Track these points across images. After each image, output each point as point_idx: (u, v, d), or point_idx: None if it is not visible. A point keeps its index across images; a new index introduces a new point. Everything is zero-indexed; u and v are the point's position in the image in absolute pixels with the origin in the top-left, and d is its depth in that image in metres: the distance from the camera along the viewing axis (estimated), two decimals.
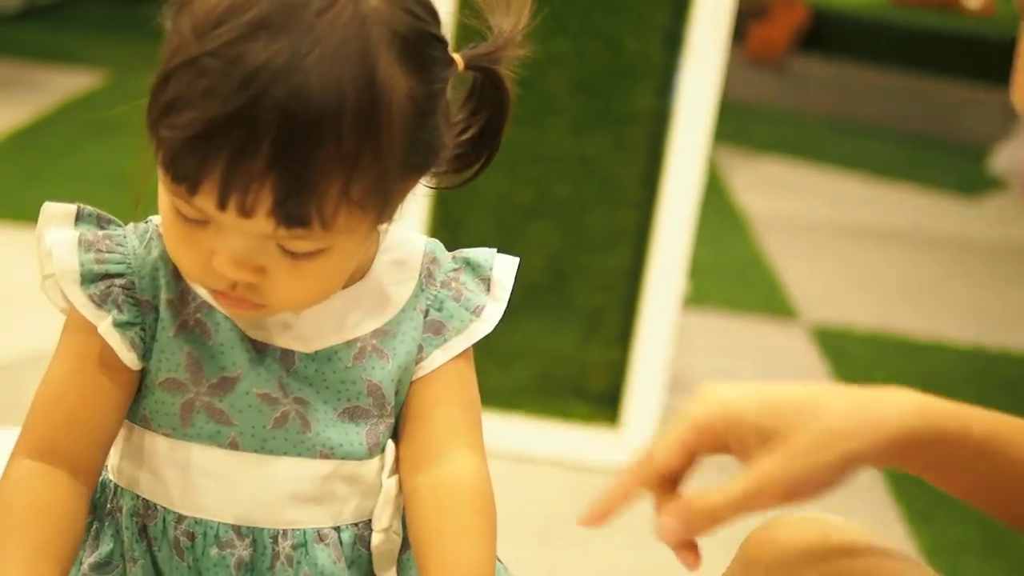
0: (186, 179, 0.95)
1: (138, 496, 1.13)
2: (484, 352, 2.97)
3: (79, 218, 1.11)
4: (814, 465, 1.03)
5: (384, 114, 0.96)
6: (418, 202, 2.61)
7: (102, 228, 1.12)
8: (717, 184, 5.34)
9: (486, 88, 1.12)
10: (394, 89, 0.97)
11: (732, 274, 4.37)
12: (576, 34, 2.63)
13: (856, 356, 3.76)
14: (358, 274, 1.14)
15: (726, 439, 1.09)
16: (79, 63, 5.99)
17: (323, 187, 0.95)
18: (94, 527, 1.15)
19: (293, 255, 1.00)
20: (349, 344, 1.12)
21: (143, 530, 1.13)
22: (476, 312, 1.16)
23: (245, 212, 0.95)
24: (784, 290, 4.27)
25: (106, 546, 1.14)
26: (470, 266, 1.18)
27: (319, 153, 0.94)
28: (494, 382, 2.79)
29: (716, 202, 5.01)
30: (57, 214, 1.11)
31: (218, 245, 1.00)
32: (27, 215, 3.91)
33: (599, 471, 2.85)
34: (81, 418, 1.09)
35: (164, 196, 1.02)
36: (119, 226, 1.13)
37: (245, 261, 1.00)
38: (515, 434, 2.81)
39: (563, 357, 2.85)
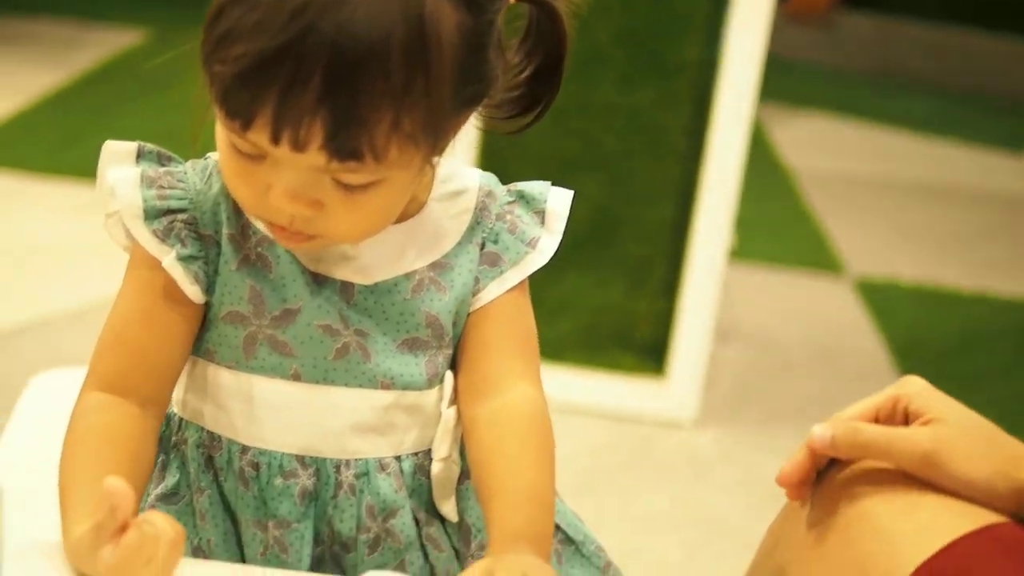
0: (239, 114, 0.97)
1: (203, 428, 1.15)
2: (535, 305, 2.98)
3: (140, 155, 1.12)
4: (972, 471, 1.02)
5: (433, 47, 0.96)
6: (465, 153, 2.63)
7: (163, 165, 1.13)
8: (761, 140, 5.32)
9: (542, 23, 1.12)
10: (442, 21, 0.97)
11: (776, 229, 4.36)
12: None
13: (900, 310, 3.75)
14: (414, 208, 1.14)
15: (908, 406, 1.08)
16: (121, 22, 6.00)
17: (374, 120, 0.96)
18: (160, 459, 1.17)
19: (348, 188, 1.01)
20: (407, 276, 1.13)
21: (209, 461, 1.15)
22: (531, 244, 1.16)
23: (298, 146, 0.96)
24: (829, 245, 4.26)
25: (172, 477, 1.17)
26: (524, 199, 1.19)
27: (369, 86, 0.94)
28: (540, 333, 2.78)
29: (760, 158, 4.99)
30: (119, 152, 1.12)
31: (274, 179, 1.01)
32: (71, 172, 3.94)
33: (644, 421, 2.87)
34: (147, 351, 1.11)
35: (221, 132, 1.03)
36: (179, 163, 1.14)
37: (300, 195, 1.00)
38: (561, 385, 2.82)
39: (609, 308, 2.86)
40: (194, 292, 1.10)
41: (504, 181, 1.19)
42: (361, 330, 1.12)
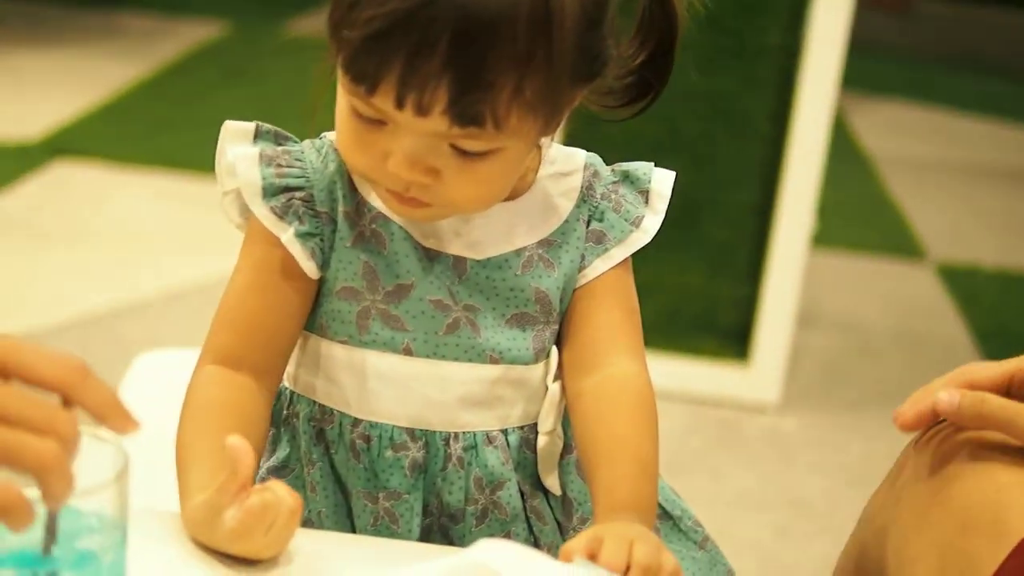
0: (366, 78, 0.99)
1: (314, 402, 1.17)
2: None
3: (258, 135, 1.15)
4: None
5: (556, 16, 0.98)
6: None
7: (279, 144, 1.15)
8: (840, 125, 5.29)
9: (654, 10, 1.13)
10: None
11: (857, 214, 4.35)
12: None
13: (983, 294, 3.73)
14: (524, 186, 1.17)
15: None
16: (202, 14, 6.07)
17: (497, 86, 0.98)
18: (271, 433, 1.20)
19: (465, 155, 1.03)
20: (518, 253, 1.15)
21: (320, 434, 1.17)
22: (635, 223, 1.19)
23: (421, 110, 0.98)
24: (910, 230, 4.25)
25: (283, 451, 1.19)
26: (629, 179, 1.21)
27: (494, 52, 0.96)
28: None
29: (839, 143, 4.97)
30: (237, 131, 1.14)
31: (393, 146, 1.03)
32: (159, 161, 4.00)
33: (728, 405, 2.88)
34: (262, 325, 1.13)
35: (342, 99, 1.05)
36: (296, 142, 1.16)
37: (419, 161, 1.02)
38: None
39: (692, 292, 2.87)
40: (311, 268, 1.12)
41: None
42: (471, 305, 1.14)
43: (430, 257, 1.13)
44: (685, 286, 2.86)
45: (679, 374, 2.88)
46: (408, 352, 1.14)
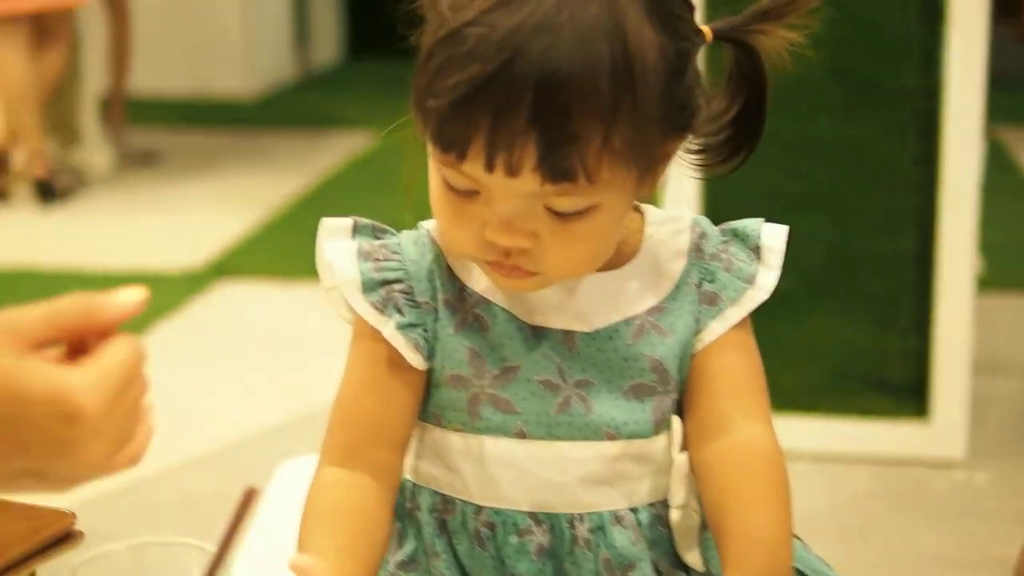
0: (454, 145, 1.00)
1: (437, 492, 1.16)
2: (776, 352, 2.91)
3: (356, 230, 1.17)
4: None
5: (638, 66, 1.00)
6: (686, 200, 2.61)
7: (378, 238, 1.17)
8: (1005, 162, 5.16)
9: (742, 64, 1.14)
10: (644, 42, 1.00)
11: None
12: (829, 18, 2.58)
13: None
14: (630, 253, 1.16)
15: None
16: (356, 125, 6.17)
17: (584, 138, 0.98)
18: (397, 528, 1.19)
19: (562, 217, 1.03)
20: (627, 322, 1.13)
21: (443, 525, 1.16)
22: (749, 280, 1.16)
23: (512, 170, 0.99)
24: None
25: (410, 545, 1.18)
26: (738, 237, 1.19)
27: (578, 105, 0.97)
28: (789, 382, 2.74)
29: (1006, 181, 4.84)
30: (335, 228, 1.16)
31: (489, 215, 1.04)
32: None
33: (911, 464, 2.78)
34: (377, 420, 1.14)
35: (435, 177, 1.06)
36: (394, 235, 1.18)
37: (516, 226, 1.03)
38: (816, 433, 2.76)
39: (859, 350, 2.78)
40: (416, 359, 1.13)
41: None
42: (582, 381, 1.12)
43: (536, 335, 1.13)
44: (850, 344, 2.78)
45: (854, 436, 2.79)
46: (522, 435, 1.12)
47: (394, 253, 1.15)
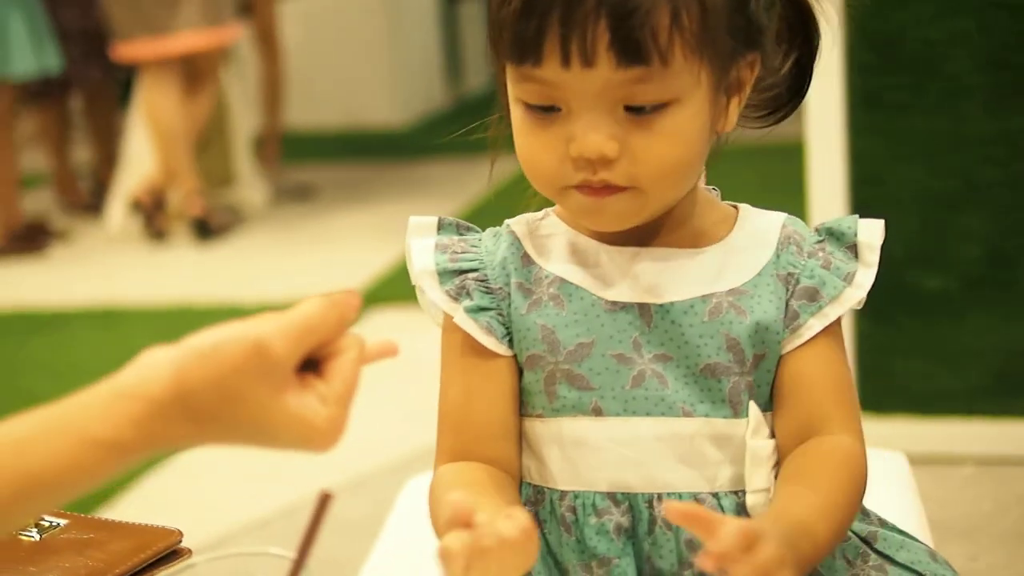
0: (529, 47, 1.05)
1: (530, 484, 1.17)
2: (935, 354, 2.82)
3: (440, 227, 1.20)
4: None
5: None
6: (833, 200, 2.54)
7: (460, 235, 1.20)
8: None
9: (791, 20, 1.16)
10: None
11: None
12: (977, 9, 2.49)
13: None
14: (716, 237, 1.17)
15: None
16: (508, 150, 6.16)
17: (654, 12, 1.02)
18: None
19: (642, 115, 1.05)
20: (704, 299, 1.13)
21: (536, 517, 1.16)
22: (847, 279, 1.16)
23: (587, 58, 1.03)
24: None
25: None
26: (833, 235, 1.18)
27: None
28: (949, 385, 2.65)
29: None
30: (421, 225, 1.20)
31: (571, 128, 1.06)
32: None
33: None
34: (477, 414, 1.16)
35: (516, 110, 1.10)
36: (476, 231, 1.21)
37: (599, 130, 1.05)
38: (979, 437, 2.65)
39: (1020, 350, 2.67)
40: (490, 342, 1.15)
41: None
42: (659, 356, 1.13)
43: (612, 310, 1.13)
44: (1011, 344, 2.67)
45: (1018, 438, 2.67)
46: (598, 412, 1.13)
47: (472, 247, 1.18)
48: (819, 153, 2.63)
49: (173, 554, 1.15)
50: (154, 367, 0.87)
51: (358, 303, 0.92)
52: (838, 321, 1.15)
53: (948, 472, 2.58)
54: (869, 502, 1.24)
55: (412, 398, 3.34)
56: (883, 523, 1.22)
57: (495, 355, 1.15)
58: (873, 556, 1.17)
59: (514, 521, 0.95)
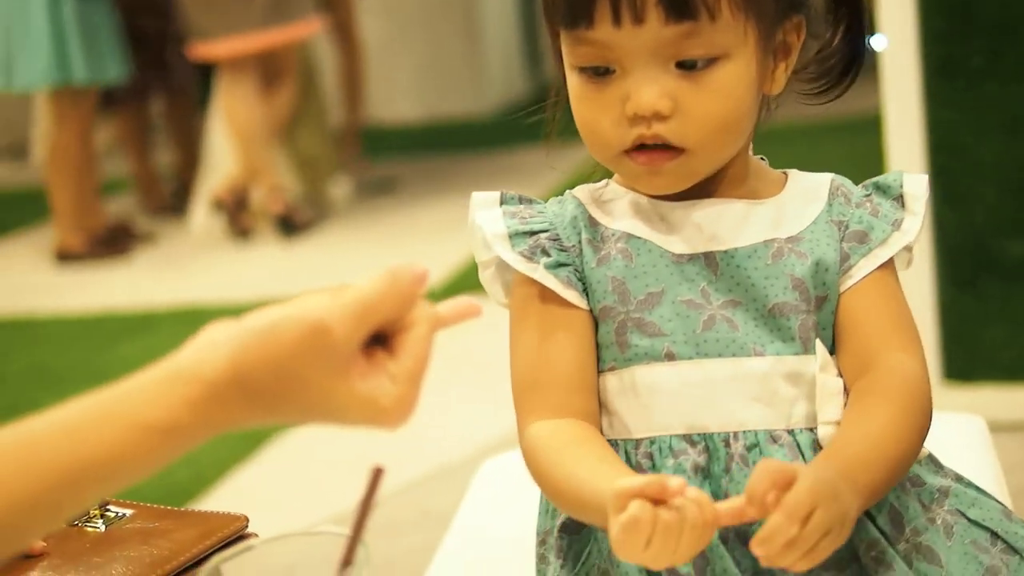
0: (582, 10, 1.10)
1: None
2: (1020, 322, 2.76)
3: (503, 200, 1.22)
4: None
5: None
6: (915, 167, 2.51)
7: (525, 205, 1.23)
8: None
9: None
10: None
11: None
12: None
13: None
14: (768, 193, 1.21)
15: None
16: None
17: None
18: None
19: (693, 71, 1.11)
20: (767, 244, 1.17)
21: None
22: (896, 225, 1.19)
23: (637, 15, 1.08)
24: None
25: None
26: (880, 189, 1.22)
27: None
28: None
29: None
30: (484, 200, 1.23)
31: (626, 86, 1.11)
32: None
33: None
34: (562, 366, 1.17)
35: (572, 78, 1.15)
36: (540, 202, 1.24)
37: (653, 83, 1.10)
38: None
39: None
40: (572, 295, 1.18)
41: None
42: (728, 302, 1.16)
43: (679, 262, 1.17)
44: None
45: None
46: (671, 356, 1.15)
47: (539, 212, 1.21)
48: (897, 123, 2.60)
49: (239, 540, 1.16)
50: (212, 348, 0.86)
51: (423, 275, 0.91)
52: (891, 265, 1.20)
53: None
54: (946, 463, 1.23)
55: (493, 387, 3.34)
56: (959, 479, 1.22)
57: (574, 308, 1.17)
58: (949, 502, 1.18)
59: (701, 508, 0.97)
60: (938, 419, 1.61)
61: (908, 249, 1.20)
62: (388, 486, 2.61)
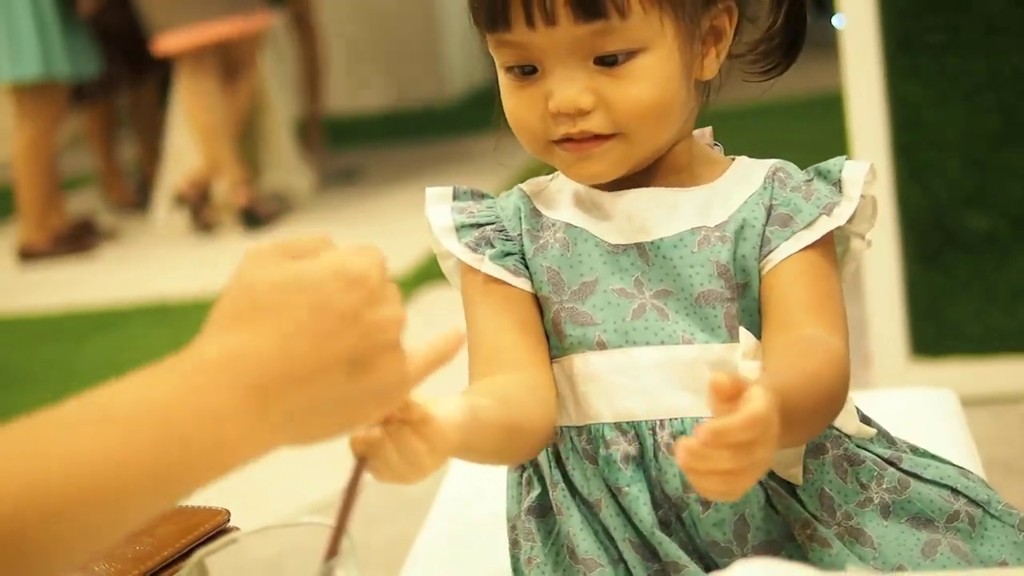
0: (499, 14, 1.12)
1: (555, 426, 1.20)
2: (982, 292, 2.79)
3: (456, 196, 1.26)
4: None
5: None
6: (876, 144, 2.52)
7: (476, 200, 1.26)
8: None
9: None
10: None
11: None
12: None
13: None
14: (708, 178, 1.22)
15: None
16: None
17: None
18: (526, 474, 1.25)
19: (611, 65, 1.12)
20: (693, 232, 1.18)
21: (557, 455, 1.21)
22: (826, 209, 1.18)
23: (548, 18, 1.10)
24: None
25: (535, 490, 1.24)
26: (821, 174, 1.22)
27: None
28: (996, 323, 2.62)
29: None
30: (437, 195, 1.26)
31: (548, 84, 1.14)
32: None
33: None
34: (507, 340, 1.20)
35: (502, 79, 1.18)
36: (491, 197, 1.26)
37: (573, 82, 1.12)
38: None
39: None
40: (521, 282, 1.20)
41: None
42: (660, 292, 1.18)
43: (615, 253, 1.19)
44: None
45: None
46: (601, 345, 1.17)
47: (488, 207, 1.24)
48: (859, 99, 2.61)
49: (221, 534, 1.16)
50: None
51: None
52: (823, 249, 1.18)
53: (1005, 411, 2.57)
54: (917, 439, 1.24)
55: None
56: (914, 450, 1.23)
57: (518, 291, 1.21)
58: (888, 478, 1.18)
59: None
60: (909, 395, 1.63)
61: (860, 236, 1.20)
62: (364, 475, 2.62)
